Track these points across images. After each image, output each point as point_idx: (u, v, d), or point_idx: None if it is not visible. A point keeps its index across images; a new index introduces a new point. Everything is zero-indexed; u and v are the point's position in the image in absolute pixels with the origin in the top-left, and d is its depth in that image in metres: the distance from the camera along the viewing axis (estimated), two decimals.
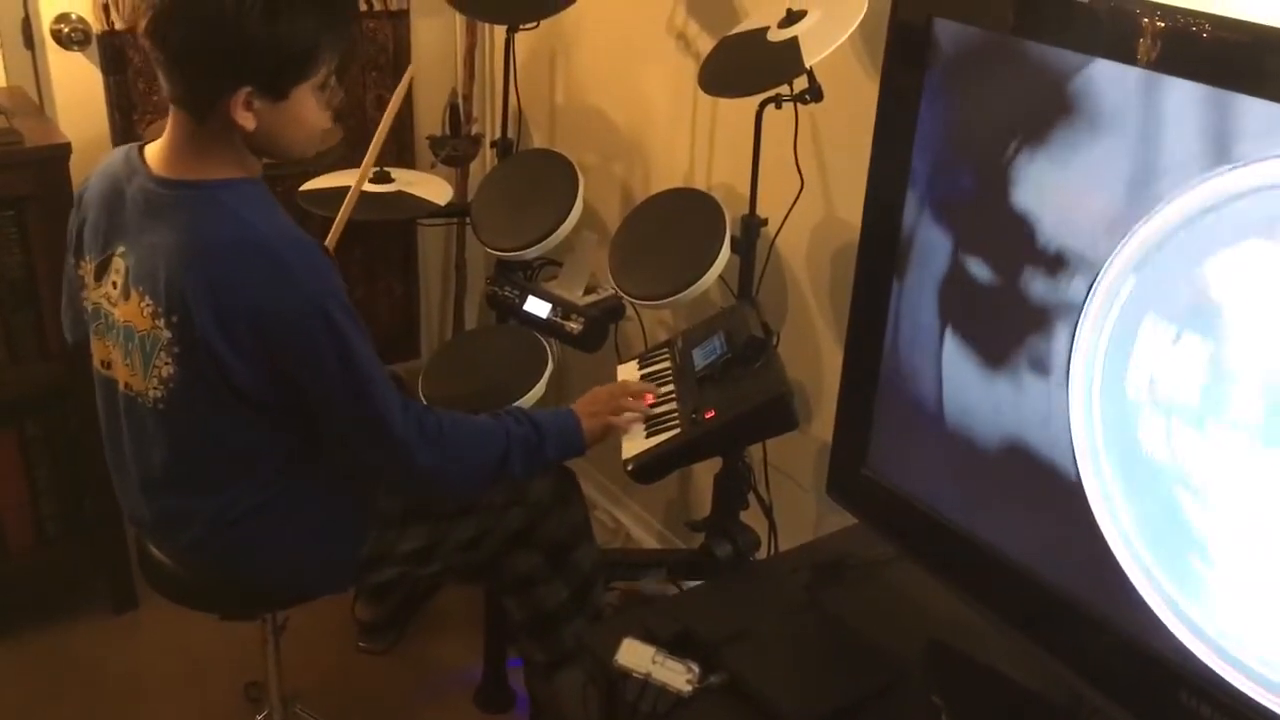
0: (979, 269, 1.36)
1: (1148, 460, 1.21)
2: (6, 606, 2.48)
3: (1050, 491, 1.32)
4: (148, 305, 1.53)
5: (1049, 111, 1.23)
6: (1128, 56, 1.15)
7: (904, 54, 1.40)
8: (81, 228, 1.65)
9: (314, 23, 1.48)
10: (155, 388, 1.57)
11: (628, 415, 1.80)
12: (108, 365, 1.65)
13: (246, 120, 1.49)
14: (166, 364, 1.54)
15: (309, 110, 1.55)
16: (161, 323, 1.52)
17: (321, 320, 1.49)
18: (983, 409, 1.39)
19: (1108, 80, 1.18)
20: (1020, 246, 1.29)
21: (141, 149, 1.60)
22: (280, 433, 1.63)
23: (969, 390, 1.40)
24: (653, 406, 1.84)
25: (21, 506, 2.41)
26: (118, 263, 1.58)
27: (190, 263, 1.49)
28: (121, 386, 1.63)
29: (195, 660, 2.44)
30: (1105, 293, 1.22)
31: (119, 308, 1.58)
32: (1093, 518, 1.28)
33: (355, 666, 2.48)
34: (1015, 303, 1.31)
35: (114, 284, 1.59)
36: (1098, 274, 1.21)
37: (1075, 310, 1.24)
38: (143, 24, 1.47)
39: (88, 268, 1.63)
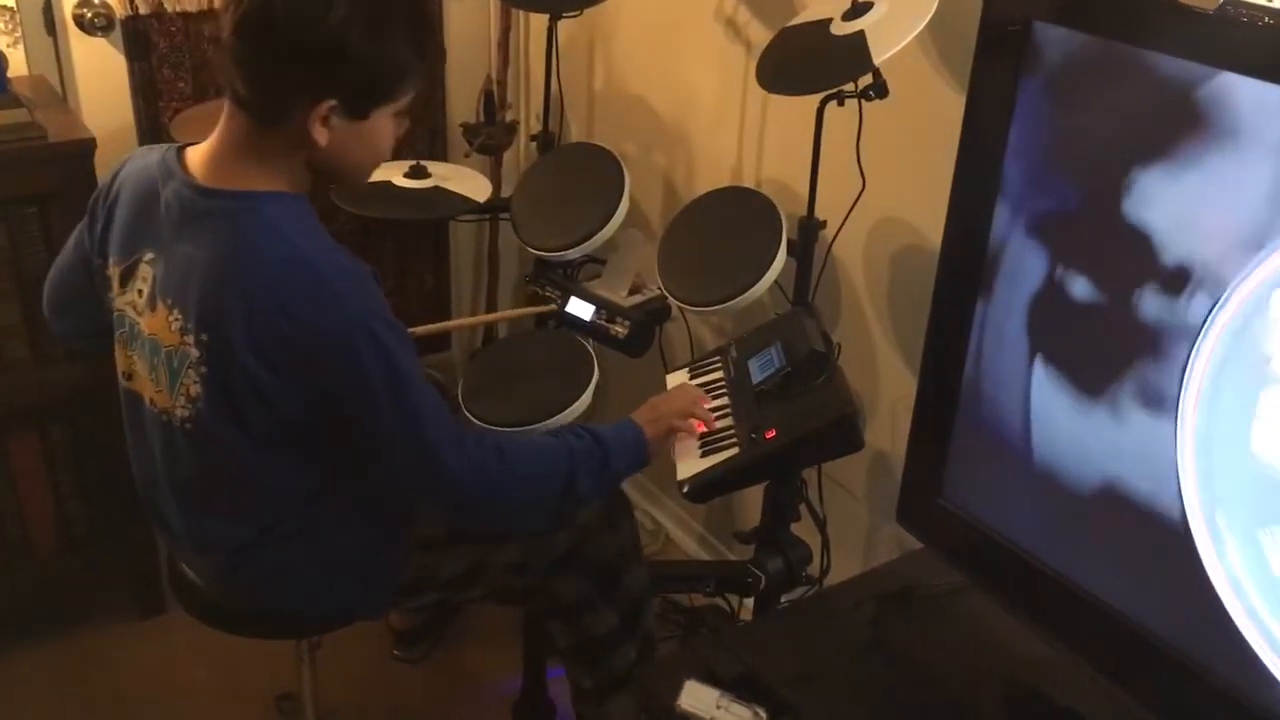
0: (1080, 290, 1.26)
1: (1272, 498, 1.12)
2: (31, 610, 2.41)
3: (1151, 532, 1.23)
4: (176, 319, 1.45)
5: (1168, 125, 1.14)
6: (1253, 69, 1.06)
7: (998, 58, 1.30)
8: (109, 222, 1.56)
9: (411, 47, 1.44)
10: (183, 407, 1.48)
11: (689, 424, 1.72)
12: (130, 377, 1.57)
13: (320, 135, 1.41)
14: (194, 383, 1.46)
15: (382, 135, 1.48)
16: (190, 339, 1.44)
17: (367, 342, 1.41)
18: (1076, 441, 1.30)
19: (1233, 94, 1.08)
20: (1130, 271, 1.20)
21: (181, 150, 1.51)
22: (314, 461, 1.54)
23: (1061, 421, 1.32)
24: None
25: (45, 510, 2.34)
26: (145, 270, 1.49)
27: (226, 278, 1.41)
28: (147, 402, 1.55)
29: (224, 669, 2.37)
30: (1230, 320, 1.12)
31: (145, 318, 1.50)
32: (1199, 560, 1.19)
33: (389, 677, 2.41)
34: (1120, 328, 1.22)
35: (139, 292, 1.50)
36: (1220, 299, 1.12)
37: (1191, 337, 1.15)
38: (230, 19, 1.38)
39: (114, 270, 1.55)
